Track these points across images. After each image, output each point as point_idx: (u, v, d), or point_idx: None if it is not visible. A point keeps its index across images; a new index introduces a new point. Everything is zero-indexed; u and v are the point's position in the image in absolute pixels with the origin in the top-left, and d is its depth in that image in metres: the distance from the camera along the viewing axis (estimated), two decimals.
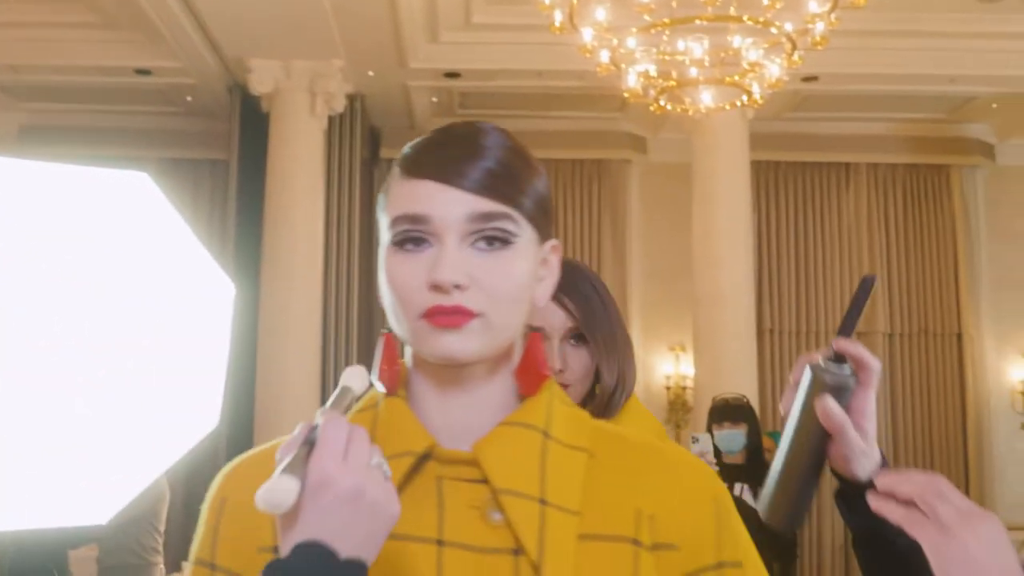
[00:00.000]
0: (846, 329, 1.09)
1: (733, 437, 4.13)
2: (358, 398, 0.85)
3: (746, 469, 4.09)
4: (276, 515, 0.74)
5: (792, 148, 8.49)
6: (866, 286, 1.06)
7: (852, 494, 1.07)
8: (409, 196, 0.85)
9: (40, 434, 2.39)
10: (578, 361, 1.57)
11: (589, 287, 1.61)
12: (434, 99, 8.06)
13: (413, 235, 0.84)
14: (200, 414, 3.25)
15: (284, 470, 0.73)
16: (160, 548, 4.50)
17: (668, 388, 8.28)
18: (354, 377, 0.84)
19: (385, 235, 0.87)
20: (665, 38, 4.93)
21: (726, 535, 0.87)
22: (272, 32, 6.61)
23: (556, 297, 1.55)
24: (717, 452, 4.05)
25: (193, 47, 6.89)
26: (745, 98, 5.02)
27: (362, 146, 7.88)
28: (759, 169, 8.08)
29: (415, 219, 0.84)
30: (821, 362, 1.09)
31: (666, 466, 0.89)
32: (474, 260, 0.83)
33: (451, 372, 0.86)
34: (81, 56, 7.18)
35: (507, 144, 0.88)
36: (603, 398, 1.56)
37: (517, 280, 0.85)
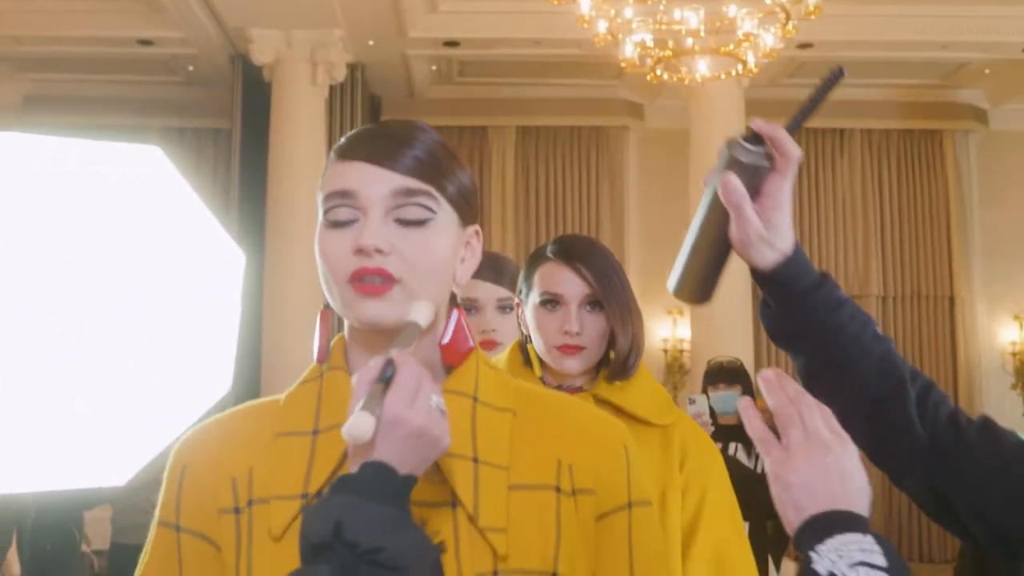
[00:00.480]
0: (795, 119, 1.05)
1: (728, 398, 4.23)
2: (423, 331, 0.92)
3: (740, 429, 4.19)
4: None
5: (787, 114, 8.37)
6: (833, 77, 1.01)
7: (761, 281, 1.05)
8: (341, 176, 0.93)
9: (61, 400, 2.48)
10: (594, 326, 1.63)
11: (603, 259, 1.67)
12: (433, 67, 8.08)
13: (341, 212, 0.92)
14: (213, 378, 3.35)
15: (363, 407, 0.82)
16: None
17: (665, 351, 8.37)
18: (420, 312, 0.92)
19: (319, 216, 0.95)
20: (662, 8, 4.96)
21: (635, 478, 0.97)
22: (273, 2, 6.62)
23: (574, 266, 1.63)
24: (712, 413, 4.15)
25: (195, 17, 6.90)
26: (740, 67, 5.06)
27: (363, 114, 7.91)
28: None
29: (344, 194, 0.92)
30: (738, 139, 1.04)
31: (581, 420, 0.98)
32: (396, 232, 0.92)
33: (381, 343, 0.92)
34: (84, 27, 7.19)
35: (437, 140, 0.97)
36: (618, 361, 1.63)
37: (435, 254, 0.93)
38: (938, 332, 8.61)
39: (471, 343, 0.98)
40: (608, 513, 0.95)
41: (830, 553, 0.80)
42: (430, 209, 0.93)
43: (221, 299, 3.28)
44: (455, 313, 0.98)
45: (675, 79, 5.34)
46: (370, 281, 0.91)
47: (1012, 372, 8.78)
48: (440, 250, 0.94)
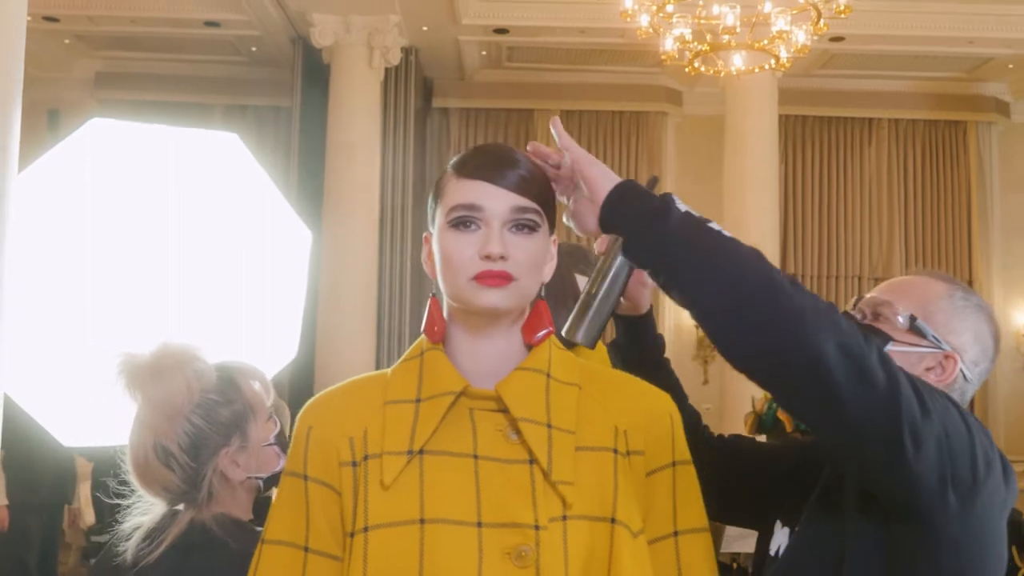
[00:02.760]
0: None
1: None
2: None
3: None
4: None
5: (818, 103, 8.46)
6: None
7: (629, 323, 1.39)
8: (465, 191, 1.08)
9: None
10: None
11: None
12: (483, 53, 8.11)
13: (466, 218, 1.07)
14: (281, 345, 3.47)
15: None
16: None
17: (697, 327, 8.40)
18: None
19: (439, 220, 1.10)
20: (701, 3, 4.97)
21: (678, 441, 1.13)
22: None
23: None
24: None
25: (259, 1, 6.99)
26: (773, 62, 5.06)
27: (416, 96, 7.97)
28: (787, 123, 8.08)
29: (471, 207, 1.08)
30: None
31: (632, 393, 1.14)
32: (511, 240, 1.07)
33: (483, 325, 1.09)
34: (154, 8, 7.30)
35: (531, 161, 1.13)
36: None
37: (539, 257, 1.10)
38: None
39: (548, 328, 1.13)
40: (656, 470, 1.11)
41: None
42: (536, 223, 1.10)
43: (290, 273, 3.39)
44: (538, 305, 1.13)
45: (712, 72, 5.35)
46: (494, 277, 1.06)
47: None
48: (541, 254, 1.11)
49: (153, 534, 1.49)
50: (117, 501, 1.53)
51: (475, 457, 1.06)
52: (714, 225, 1.11)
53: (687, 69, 5.30)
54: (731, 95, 7.20)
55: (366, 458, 1.08)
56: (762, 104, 7.17)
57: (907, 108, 8.57)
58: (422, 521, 1.03)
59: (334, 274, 7.00)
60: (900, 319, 1.27)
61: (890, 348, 1.24)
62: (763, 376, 1.06)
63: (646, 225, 1.08)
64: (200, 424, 1.49)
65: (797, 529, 1.26)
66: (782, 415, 4.59)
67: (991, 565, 1.17)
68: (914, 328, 1.27)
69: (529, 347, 1.12)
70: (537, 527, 1.03)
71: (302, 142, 7.73)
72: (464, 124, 8.71)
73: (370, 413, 1.10)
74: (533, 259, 1.08)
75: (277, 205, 3.40)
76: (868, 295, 1.33)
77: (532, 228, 1.08)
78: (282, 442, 1.58)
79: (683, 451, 1.14)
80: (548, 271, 1.14)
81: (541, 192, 1.10)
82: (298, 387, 7.05)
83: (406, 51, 7.61)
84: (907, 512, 1.12)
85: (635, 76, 8.38)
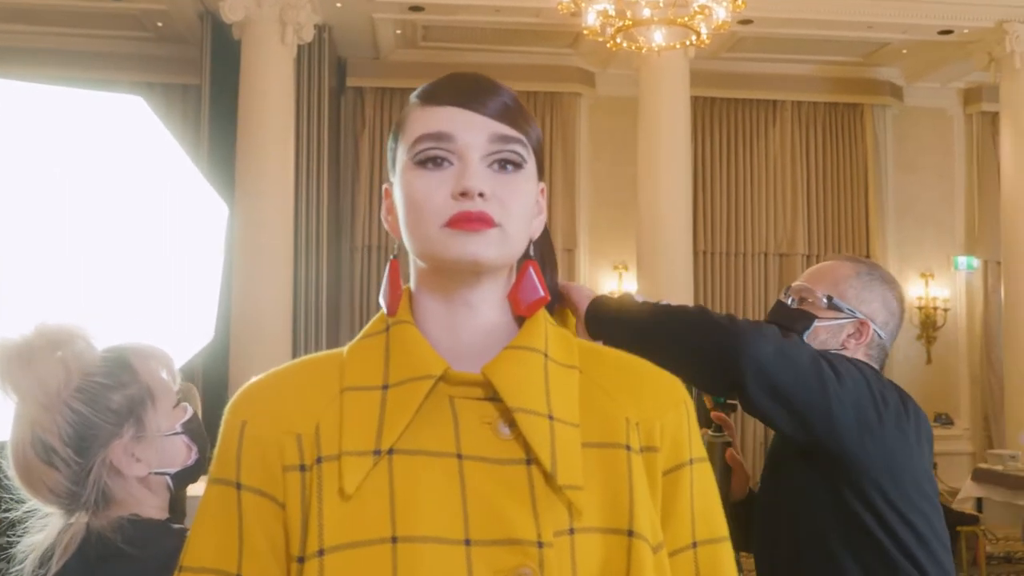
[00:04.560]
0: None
1: None
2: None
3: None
4: None
5: (726, 86, 8.40)
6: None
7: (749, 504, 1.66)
8: (431, 119, 0.84)
9: None
10: None
11: None
12: (398, 31, 7.75)
13: (435, 153, 0.83)
14: (198, 327, 3.09)
15: None
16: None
17: None
18: None
19: (400, 160, 0.86)
20: None
21: (694, 434, 0.91)
22: None
23: None
24: None
25: None
26: (694, 38, 4.90)
27: (330, 75, 7.57)
28: (696, 104, 7.98)
29: (439, 137, 0.83)
30: (710, 432, 1.71)
31: (642, 378, 0.90)
32: (493, 178, 0.83)
33: (460, 289, 0.85)
34: None
35: (511, 91, 0.89)
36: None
37: (526, 200, 0.85)
38: None
39: (541, 293, 0.88)
40: (672, 469, 0.88)
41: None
42: (522, 157, 0.85)
43: (205, 250, 3.04)
44: (528, 266, 0.88)
45: (633, 47, 5.16)
46: (472, 220, 0.82)
47: (918, 324, 8.89)
48: (529, 196, 0.86)
49: (48, 553, 1.19)
50: (3, 515, 1.23)
51: (459, 457, 0.81)
52: (665, 302, 1.42)
53: (609, 45, 5.09)
54: (645, 76, 7.05)
55: (319, 460, 0.81)
56: (675, 85, 7.04)
57: (808, 91, 8.59)
58: (394, 540, 0.78)
59: (248, 257, 6.58)
60: (821, 300, 1.59)
61: (816, 324, 1.57)
62: (722, 388, 1.45)
63: (619, 319, 1.35)
64: (83, 411, 1.22)
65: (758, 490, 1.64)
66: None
67: (909, 473, 1.47)
68: (832, 305, 1.58)
69: (519, 319, 0.88)
70: (540, 544, 0.79)
71: (212, 121, 7.25)
72: (379, 104, 8.35)
73: (323, 403, 0.84)
74: (520, 201, 0.84)
75: (190, 175, 3.04)
76: (794, 284, 1.67)
77: (518, 165, 0.85)
78: (193, 430, 1.31)
79: (699, 446, 0.91)
80: (538, 225, 0.90)
81: (527, 124, 0.87)
82: (211, 373, 6.63)
83: (319, 28, 7.20)
84: (838, 455, 1.44)
85: (549, 57, 8.16)
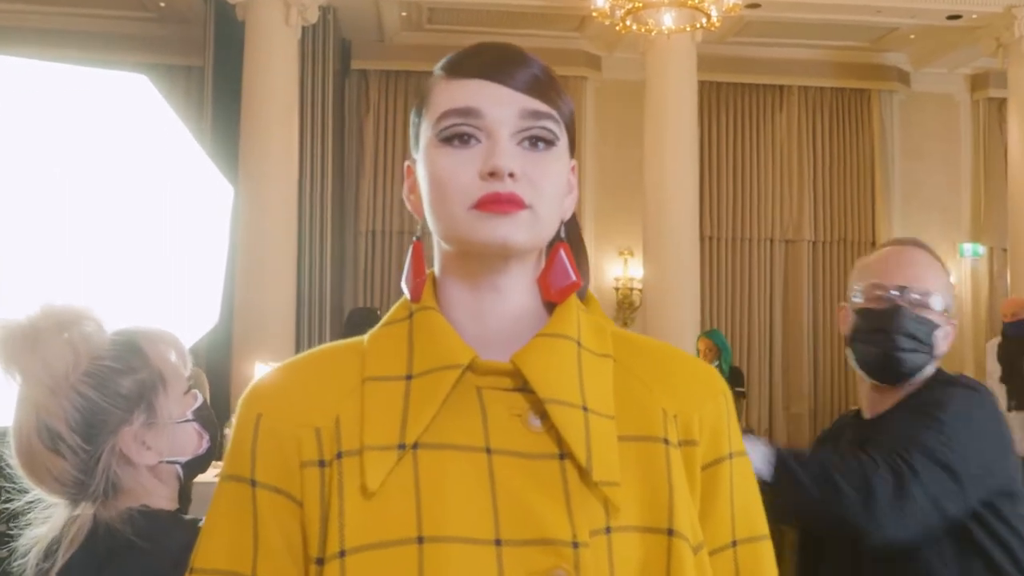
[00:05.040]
0: None
1: None
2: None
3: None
4: None
5: (733, 70, 8.31)
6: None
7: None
8: (457, 93, 0.79)
9: None
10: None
11: None
12: (403, 14, 7.66)
13: (461, 130, 0.78)
14: (202, 311, 3.04)
15: None
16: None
17: (617, 289, 8.23)
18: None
19: (425, 137, 0.80)
20: None
21: (734, 428, 0.86)
22: None
23: None
24: None
25: None
26: (704, 21, 4.82)
27: (334, 58, 7.49)
28: (703, 89, 7.88)
29: (466, 112, 0.78)
30: None
31: (680, 368, 0.85)
32: (523, 156, 0.78)
33: (488, 273, 0.80)
34: None
35: (542, 62, 0.83)
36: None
37: (558, 179, 0.80)
38: None
39: (573, 277, 0.82)
40: (711, 464, 0.83)
41: None
42: (554, 133, 0.79)
43: (210, 231, 2.98)
44: (559, 249, 0.83)
45: (643, 30, 5.08)
46: (501, 202, 0.77)
47: None
48: (561, 175, 0.80)
49: (52, 546, 1.14)
50: (4, 506, 1.17)
51: (487, 451, 0.76)
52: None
53: (618, 27, 5.01)
54: (652, 60, 6.96)
55: (339, 456, 0.77)
56: (682, 69, 6.95)
57: (816, 76, 8.51)
58: (420, 540, 0.73)
59: (252, 241, 6.51)
60: (938, 305, 1.48)
61: (938, 333, 1.49)
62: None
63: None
64: (92, 396, 1.16)
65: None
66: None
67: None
68: (947, 311, 1.50)
69: (549, 306, 0.83)
70: (576, 544, 0.74)
71: (215, 103, 7.17)
72: (383, 87, 8.27)
73: (343, 395, 0.79)
74: (552, 181, 0.79)
75: (194, 156, 2.97)
76: (903, 285, 1.50)
77: (549, 142, 0.79)
78: (205, 418, 1.26)
79: (739, 439, 0.85)
80: (570, 204, 0.84)
81: (559, 97, 0.81)
82: (214, 360, 6.57)
83: (324, 9, 7.11)
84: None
85: (555, 40, 8.06)
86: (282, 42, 6.75)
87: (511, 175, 0.76)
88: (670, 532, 0.77)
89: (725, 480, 0.83)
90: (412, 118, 0.83)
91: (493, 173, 0.76)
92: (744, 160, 8.44)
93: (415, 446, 0.75)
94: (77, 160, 2.34)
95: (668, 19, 4.89)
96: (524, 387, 0.77)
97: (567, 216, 0.84)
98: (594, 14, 4.82)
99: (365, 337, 0.83)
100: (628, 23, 4.89)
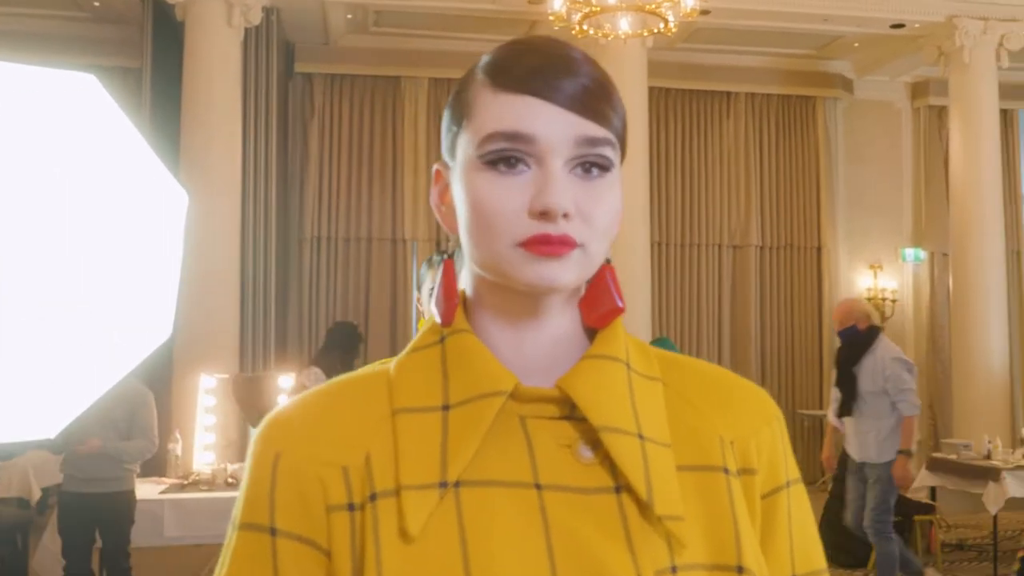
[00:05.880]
0: None
1: None
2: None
3: None
4: None
5: (682, 77, 8.36)
6: None
7: None
8: (506, 112, 0.70)
9: None
10: None
11: None
12: (349, 16, 7.53)
13: (509, 155, 0.70)
14: (153, 323, 2.89)
15: None
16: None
17: None
18: None
19: (464, 151, 0.72)
20: None
21: (789, 454, 0.81)
22: None
23: None
24: None
25: None
26: (661, 25, 4.81)
27: (278, 61, 7.32)
28: (652, 95, 7.93)
29: (516, 137, 0.69)
30: None
31: (731, 391, 0.79)
32: (576, 187, 0.70)
33: (529, 304, 0.73)
34: None
35: (594, 62, 0.74)
36: None
37: (613, 210, 0.72)
38: (807, 278, 8.72)
39: (619, 303, 0.76)
40: (769, 494, 0.77)
41: None
42: (609, 160, 0.71)
43: (162, 240, 2.84)
44: (604, 272, 0.76)
45: (600, 35, 5.05)
46: (552, 244, 0.69)
47: None
48: (616, 204, 0.72)
49: None
50: None
51: (537, 487, 0.69)
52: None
53: (574, 31, 4.97)
54: (604, 65, 6.95)
55: (373, 497, 0.69)
56: (633, 75, 6.95)
57: (762, 83, 8.61)
58: None
59: (194, 247, 6.28)
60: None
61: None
62: None
63: None
64: None
65: None
66: None
67: None
68: None
69: (589, 330, 0.76)
70: None
71: (154, 107, 6.94)
72: (328, 91, 8.12)
73: (371, 429, 0.71)
74: (606, 212, 0.71)
75: (144, 160, 2.84)
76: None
77: (604, 168, 0.71)
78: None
79: (794, 466, 0.80)
80: (616, 222, 0.76)
81: (615, 111, 0.72)
82: (154, 367, 6.35)
83: (267, 11, 6.95)
84: None
85: None
86: (224, 44, 6.57)
87: (565, 215, 0.68)
88: (739, 570, 0.71)
89: (783, 510, 0.77)
90: (448, 122, 0.75)
91: (546, 212, 0.68)
92: (693, 166, 8.49)
93: (456, 484, 0.68)
94: (18, 164, 2.19)
95: (625, 24, 4.87)
96: (571, 415, 0.71)
97: (615, 236, 0.76)
98: (551, 18, 4.77)
99: (391, 365, 0.75)
100: (585, 27, 4.85)
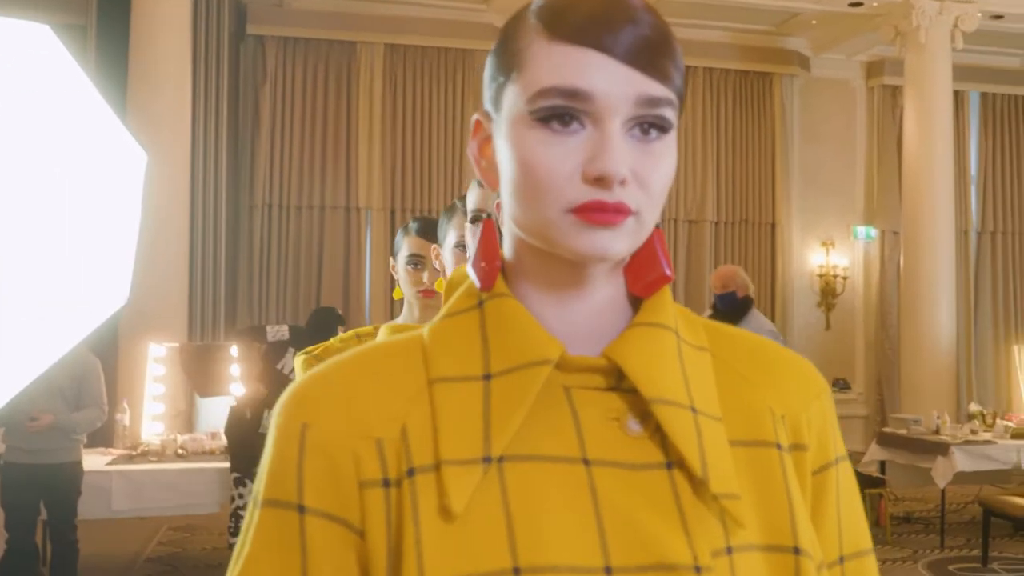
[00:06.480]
0: None
1: None
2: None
3: None
4: None
5: None
6: None
7: None
8: (563, 65, 0.64)
9: None
10: None
11: None
12: None
13: (563, 111, 0.64)
14: (110, 289, 2.80)
15: None
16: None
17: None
18: None
19: (512, 103, 0.66)
20: None
21: (837, 429, 0.77)
22: None
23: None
24: None
25: None
26: None
27: (229, 20, 7.13)
28: None
29: (574, 94, 0.64)
30: None
31: (781, 363, 0.75)
32: (633, 150, 0.65)
33: (575, 272, 0.69)
34: None
35: (653, 9, 0.67)
36: None
37: (669, 174, 0.68)
38: (762, 254, 8.83)
39: (668, 271, 0.71)
40: (819, 470, 0.73)
41: None
42: (668, 121, 0.66)
43: (119, 201, 2.75)
44: (652, 238, 0.71)
45: None
46: (607, 212, 0.64)
47: (818, 291, 9.14)
48: (672, 169, 0.67)
49: None
50: None
51: (585, 462, 0.65)
52: None
53: None
54: None
55: (411, 472, 0.64)
56: None
57: (721, 58, 8.64)
58: (517, 571, 0.62)
59: (142, 212, 6.12)
60: None
61: None
62: None
63: None
64: None
65: None
66: None
67: None
68: None
69: (632, 298, 0.72)
70: (698, 568, 0.64)
71: (99, 67, 6.72)
72: (281, 54, 7.93)
73: (407, 399, 0.67)
74: (662, 177, 0.66)
75: (100, 117, 2.73)
76: None
77: (663, 130, 0.65)
78: None
79: (841, 442, 0.77)
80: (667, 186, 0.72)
81: (676, 67, 0.66)
82: (99, 336, 6.19)
83: None
84: None
85: (460, 12, 7.91)
86: (174, 2, 6.37)
87: (622, 181, 0.64)
88: (796, 551, 0.68)
89: (832, 488, 0.74)
90: (493, 71, 0.69)
91: (602, 177, 0.63)
92: None
93: (500, 459, 0.64)
94: None
95: None
96: (618, 386, 0.67)
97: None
98: None
99: (423, 330, 0.70)
100: None
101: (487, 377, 0.66)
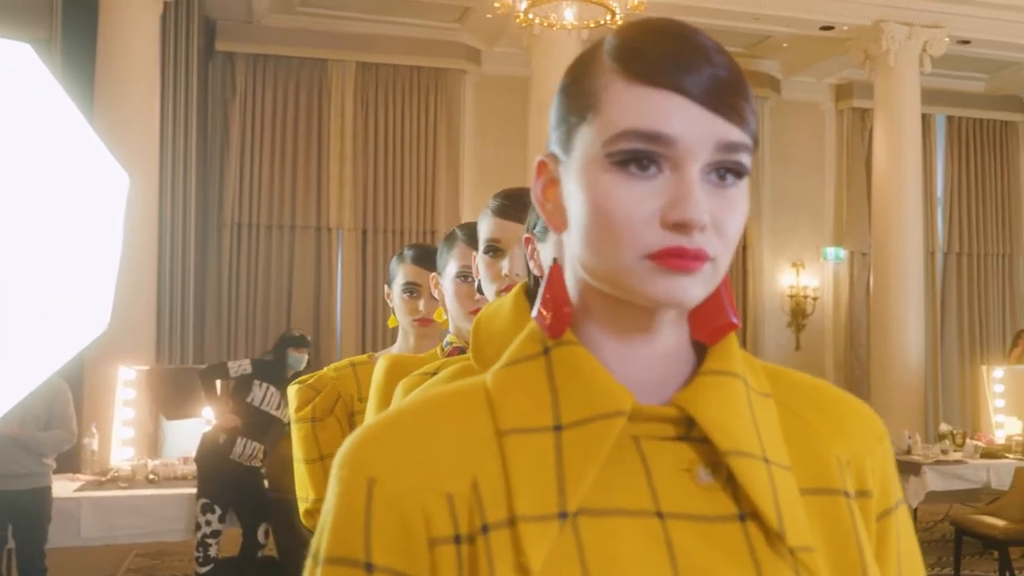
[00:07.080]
0: None
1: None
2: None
3: None
4: None
5: None
6: None
7: None
8: (644, 107, 0.64)
9: None
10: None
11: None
12: None
13: (643, 155, 0.64)
14: (91, 315, 2.76)
15: None
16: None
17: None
18: None
19: (586, 144, 0.65)
20: None
21: (896, 473, 0.77)
22: None
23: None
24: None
25: None
26: (609, 17, 4.82)
27: (198, 39, 7.07)
28: None
29: (655, 138, 0.63)
30: None
31: (840, 406, 0.74)
32: (711, 196, 0.65)
33: (644, 318, 0.68)
34: None
35: (724, 49, 0.67)
36: None
37: (743, 221, 0.67)
38: (733, 275, 8.86)
39: (734, 319, 0.70)
40: (882, 516, 0.73)
41: None
42: (746, 167, 0.66)
43: (101, 223, 2.71)
44: (720, 285, 0.71)
45: (546, 24, 5.03)
46: (687, 258, 0.64)
47: (788, 312, 9.24)
48: (746, 214, 0.67)
49: None
50: None
51: (659, 515, 0.65)
52: None
53: (518, 19, 4.94)
54: (537, 56, 6.95)
55: (485, 529, 0.63)
56: (566, 65, 6.96)
57: None
58: None
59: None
60: None
61: None
62: None
63: None
64: None
65: None
66: None
67: None
68: None
69: (696, 345, 0.72)
70: None
71: (64, 83, 6.60)
72: (251, 72, 7.89)
73: (476, 451, 0.65)
74: (738, 223, 0.66)
75: (81, 137, 2.69)
76: None
77: (739, 175, 0.65)
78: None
79: (899, 485, 0.76)
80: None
81: (750, 109, 0.66)
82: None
83: None
84: None
85: (434, 31, 7.92)
86: (142, 17, 6.32)
87: (702, 228, 0.63)
88: None
89: (893, 533, 0.74)
90: (563, 112, 0.68)
91: (683, 224, 0.63)
92: None
93: (575, 514, 0.63)
94: None
95: (570, 14, 4.86)
96: (687, 435, 0.67)
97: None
98: (496, 5, 4.73)
99: (486, 377, 0.69)
100: (530, 16, 4.83)
101: (558, 428, 0.65)
